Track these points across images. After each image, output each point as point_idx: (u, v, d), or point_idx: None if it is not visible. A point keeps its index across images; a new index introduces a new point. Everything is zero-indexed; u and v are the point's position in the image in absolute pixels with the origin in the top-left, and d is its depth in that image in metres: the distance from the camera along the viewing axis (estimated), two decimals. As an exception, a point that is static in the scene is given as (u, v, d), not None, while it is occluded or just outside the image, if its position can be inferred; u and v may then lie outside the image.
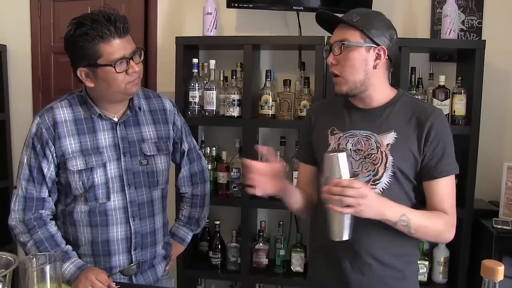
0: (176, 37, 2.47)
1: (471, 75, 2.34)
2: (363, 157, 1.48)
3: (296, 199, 1.57)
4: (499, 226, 2.21)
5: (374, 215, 1.34)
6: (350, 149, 1.49)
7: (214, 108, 2.53)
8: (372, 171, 1.46)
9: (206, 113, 2.53)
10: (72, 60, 1.57)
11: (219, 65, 2.58)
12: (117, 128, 1.65)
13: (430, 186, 1.47)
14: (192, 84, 2.52)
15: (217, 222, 2.63)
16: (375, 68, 1.47)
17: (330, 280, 1.55)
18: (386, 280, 1.49)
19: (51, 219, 1.66)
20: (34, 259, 1.28)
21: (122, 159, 1.64)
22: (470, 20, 2.58)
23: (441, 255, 2.45)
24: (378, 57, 1.46)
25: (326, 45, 1.54)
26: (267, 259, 2.63)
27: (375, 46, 1.45)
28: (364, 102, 1.52)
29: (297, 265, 2.59)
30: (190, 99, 2.51)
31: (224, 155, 2.63)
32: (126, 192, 1.64)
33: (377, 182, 1.46)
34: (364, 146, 1.48)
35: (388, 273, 1.49)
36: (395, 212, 1.37)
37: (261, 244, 2.63)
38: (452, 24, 2.31)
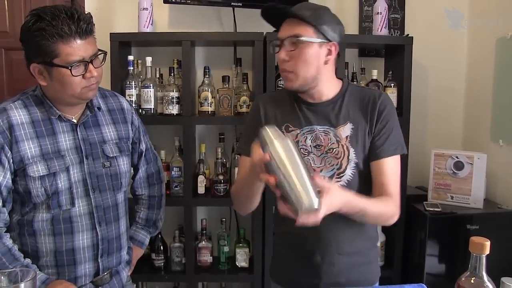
0: (110, 33, 2.35)
1: (400, 69, 2.49)
2: (324, 152, 1.49)
3: (260, 187, 1.43)
4: (430, 209, 2.38)
5: (335, 209, 1.27)
6: (310, 146, 1.50)
7: (152, 107, 2.46)
8: (336, 165, 1.48)
9: (144, 112, 2.45)
10: (26, 54, 1.44)
11: (154, 62, 2.50)
12: (77, 129, 1.55)
13: (377, 166, 1.49)
14: (128, 82, 2.43)
15: (158, 223, 2.56)
16: (326, 64, 1.48)
17: (299, 272, 1.57)
18: (353, 267, 1.54)
19: (5, 232, 1.51)
20: (2, 276, 1.14)
21: (84, 162, 1.54)
22: (394, 17, 2.75)
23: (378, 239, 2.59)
24: (329, 52, 1.47)
25: (275, 40, 1.50)
26: (211, 257, 2.62)
27: (327, 41, 1.46)
28: (314, 97, 1.53)
29: (241, 260, 2.60)
30: (127, 98, 2.40)
31: (162, 154, 2.57)
32: (91, 196, 1.54)
33: (341, 175, 1.48)
34: (324, 141, 1.49)
35: (355, 260, 1.55)
36: (353, 208, 1.35)
37: (204, 242, 2.61)
38: (384, 21, 2.44)
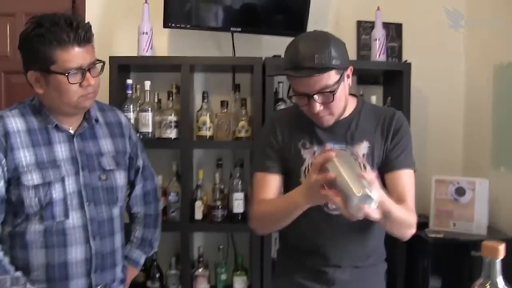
0: (110, 56, 2.36)
1: (399, 96, 2.50)
2: None
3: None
4: (432, 235, 2.33)
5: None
6: None
7: (150, 130, 2.45)
8: None
9: (141, 136, 2.43)
10: (24, 61, 1.45)
11: (152, 87, 2.51)
12: (74, 140, 1.53)
13: (393, 178, 1.49)
14: (127, 106, 2.43)
15: (154, 250, 2.50)
16: (349, 88, 1.50)
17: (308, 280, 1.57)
18: (364, 277, 1.58)
19: None
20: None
21: (80, 174, 1.51)
22: (391, 46, 2.77)
23: (379, 268, 2.52)
24: (348, 76, 1.46)
25: (293, 95, 1.46)
26: (208, 285, 2.55)
27: (345, 70, 1.43)
28: None
29: (239, 289, 2.54)
30: (125, 121, 2.41)
31: (160, 179, 2.53)
32: (86, 209, 1.51)
33: None
34: None
35: (367, 271, 1.59)
36: (384, 207, 1.30)
37: (200, 270, 2.54)
38: (382, 47, 2.46)
